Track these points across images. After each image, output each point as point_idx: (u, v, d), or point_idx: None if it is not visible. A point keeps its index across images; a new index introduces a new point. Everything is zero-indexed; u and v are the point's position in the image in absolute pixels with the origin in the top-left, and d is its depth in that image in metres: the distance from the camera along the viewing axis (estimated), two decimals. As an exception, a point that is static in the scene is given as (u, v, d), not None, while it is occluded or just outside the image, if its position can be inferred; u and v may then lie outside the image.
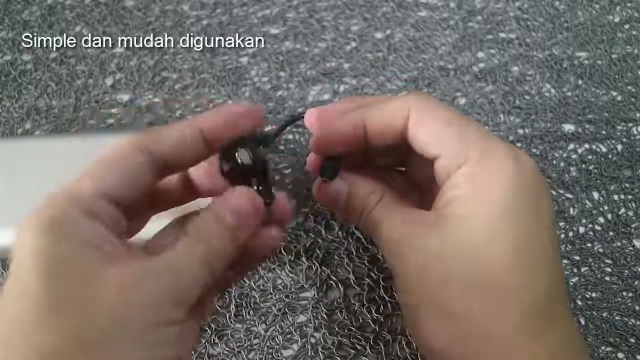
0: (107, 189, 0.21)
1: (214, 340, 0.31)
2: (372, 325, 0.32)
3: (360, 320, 0.32)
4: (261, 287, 0.33)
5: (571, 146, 0.37)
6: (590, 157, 0.37)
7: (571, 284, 0.33)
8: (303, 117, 0.27)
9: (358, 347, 0.31)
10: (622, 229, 0.35)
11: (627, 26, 0.42)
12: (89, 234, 0.20)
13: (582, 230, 0.35)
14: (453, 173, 0.22)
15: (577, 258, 0.34)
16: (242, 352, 0.31)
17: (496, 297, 0.21)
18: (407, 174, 0.29)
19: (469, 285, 0.21)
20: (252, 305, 0.32)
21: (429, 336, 0.22)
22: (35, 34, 0.42)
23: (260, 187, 0.24)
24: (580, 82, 0.40)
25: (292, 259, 0.33)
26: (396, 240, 0.23)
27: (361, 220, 0.26)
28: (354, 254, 0.33)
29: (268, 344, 0.31)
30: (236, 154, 0.23)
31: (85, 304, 0.19)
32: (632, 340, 0.32)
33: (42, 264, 0.19)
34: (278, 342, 0.31)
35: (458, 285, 0.21)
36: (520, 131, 0.38)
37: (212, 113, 0.23)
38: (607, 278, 0.33)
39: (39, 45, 0.41)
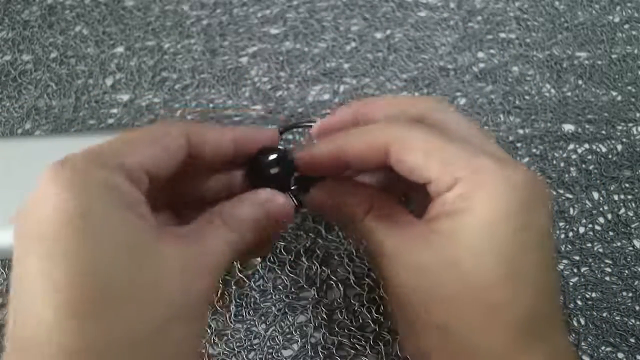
0: (151, 168, 0.20)
1: (214, 340, 0.31)
2: (372, 325, 0.32)
3: (360, 320, 0.32)
4: (261, 287, 0.33)
5: (571, 146, 0.37)
6: (590, 157, 0.37)
7: (571, 284, 0.33)
8: (306, 124, 0.29)
9: (358, 347, 0.31)
10: (622, 229, 0.35)
11: (627, 26, 0.42)
12: (138, 206, 0.19)
13: (582, 230, 0.35)
14: (444, 193, 0.22)
15: (577, 258, 0.34)
16: (242, 352, 0.31)
17: (481, 313, 0.21)
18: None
19: (454, 302, 0.21)
20: (252, 305, 0.32)
21: (416, 347, 0.22)
22: (35, 34, 0.42)
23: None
24: (580, 82, 0.40)
25: (292, 259, 0.33)
26: (383, 255, 0.23)
27: (350, 230, 0.25)
28: (354, 254, 0.33)
29: (268, 344, 0.31)
30: (269, 166, 0.25)
31: (145, 291, 0.17)
32: (632, 340, 0.32)
33: (91, 231, 0.16)
34: (278, 342, 0.31)
35: (443, 300, 0.21)
36: (520, 131, 0.38)
37: (246, 130, 0.25)
38: (607, 278, 0.33)
39: (39, 46, 0.41)
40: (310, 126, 0.27)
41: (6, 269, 0.33)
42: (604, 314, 0.32)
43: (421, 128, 0.23)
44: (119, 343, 0.16)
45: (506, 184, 0.21)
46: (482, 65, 0.41)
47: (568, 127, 0.38)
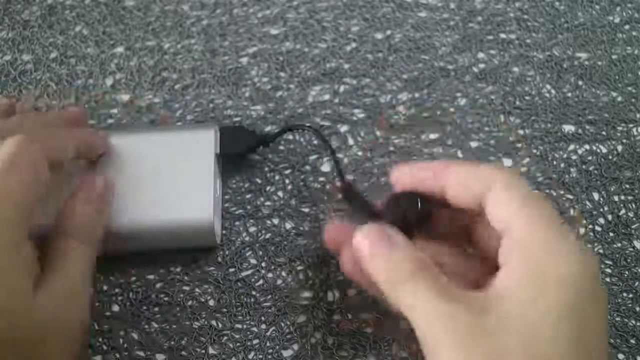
0: (37, 198, 0.24)
1: (213, 340, 0.31)
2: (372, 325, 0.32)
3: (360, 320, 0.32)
4: (261, 287, 0.33)
5: (571, 147, 0.37)
6: (590, 158, 0.37)
7: (571, 284, 0.33)
8: (304, 127, 0.35)
9: (358, 347, 0.31)
10: (623, 230, 0.35)
11: (627, 27, 0.42)
12: (26, 250, 0.23)
13: (582, 231, 0.35)
14: (511, 263, 0.21)
15: (577, 259, 0.34)
16: (242, 352, 0.31)
17: None
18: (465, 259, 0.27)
19: None
20: (252, 305, 0.32)
21: None
22: (35, 34, 0.42)
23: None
24: (580, 82, 0.40)
25: (292, 259, 0.33)
26: (427, 340, 0.21)
27: (384, 293, 0.23)
28: (354, 254, 0.33)
29: (268, 344, 0.31)
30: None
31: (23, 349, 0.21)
32: (633, 341, 0.32)
33: None
34: (278, 342, 0.31)
35: None
36: (521, 132, 0.38)
37: (87, 137, 0.31)
38: (608, 279, 0.33)
39: (39, 46, 0.41)
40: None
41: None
42: (604, 315, 0.32)
43: (523, 180, 0.23)
44: None
45: (579, 269, 0.20)
46: (482, 65, 0.41)
47: (568, 128, 0.38)
